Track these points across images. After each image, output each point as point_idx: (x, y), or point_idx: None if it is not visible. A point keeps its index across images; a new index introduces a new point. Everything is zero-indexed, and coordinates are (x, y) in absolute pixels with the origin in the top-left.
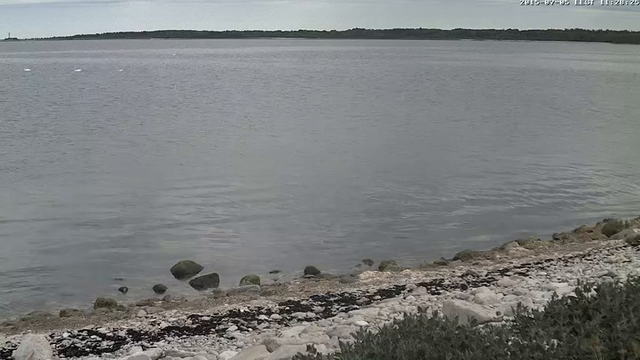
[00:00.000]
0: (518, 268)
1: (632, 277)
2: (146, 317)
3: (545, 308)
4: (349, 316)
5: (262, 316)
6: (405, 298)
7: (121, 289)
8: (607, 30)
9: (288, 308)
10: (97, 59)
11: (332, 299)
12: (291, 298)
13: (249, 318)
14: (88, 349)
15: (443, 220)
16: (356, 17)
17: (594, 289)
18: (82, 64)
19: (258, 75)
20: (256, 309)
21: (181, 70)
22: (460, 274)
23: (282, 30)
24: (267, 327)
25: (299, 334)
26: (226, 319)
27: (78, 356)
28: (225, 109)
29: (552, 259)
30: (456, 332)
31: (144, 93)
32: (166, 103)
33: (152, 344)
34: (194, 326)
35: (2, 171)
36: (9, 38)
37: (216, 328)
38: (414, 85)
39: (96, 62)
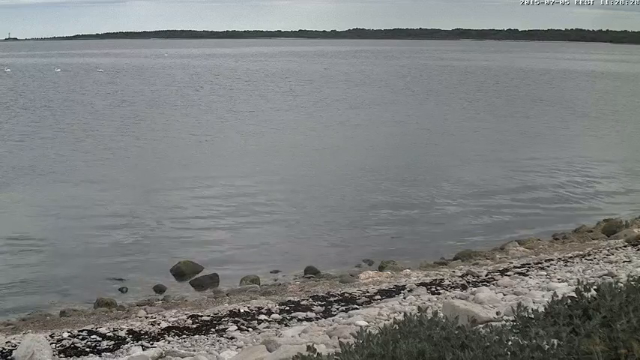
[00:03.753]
0: (518, 268)
1: (632, 277)
2: (146, 317)
3: (545, 308)
4: (349, 316)
5: (262, 316)
6: (405, 298)
7: (121, 289)
8: (607, 30)
9: (288, 308)
10: (84, 59)
11: (332, 299)
12: (291, 298)
13: (249, 318)
14: (88, 349)
15: (443, 220)
16: (356, 17)
17: (594, 289)
18: (63, 65)
19: (254, 75)
20: (256, 309)
21: (171, 70)
22: (460, 274)
23: (282, 30)
24: (267, 327)
25: (299, 334)
26: (226, 319)
27: (78, 356)
28: (226, 109)
29: (552, 259)
30: (456, 332)
31: (129, 93)
32: (162, 103)
33: (152, 344)
34: (194, 326)
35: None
36: (9, 38)
37: (216, 328)
38: (413, 85)
39: (80, 62)
